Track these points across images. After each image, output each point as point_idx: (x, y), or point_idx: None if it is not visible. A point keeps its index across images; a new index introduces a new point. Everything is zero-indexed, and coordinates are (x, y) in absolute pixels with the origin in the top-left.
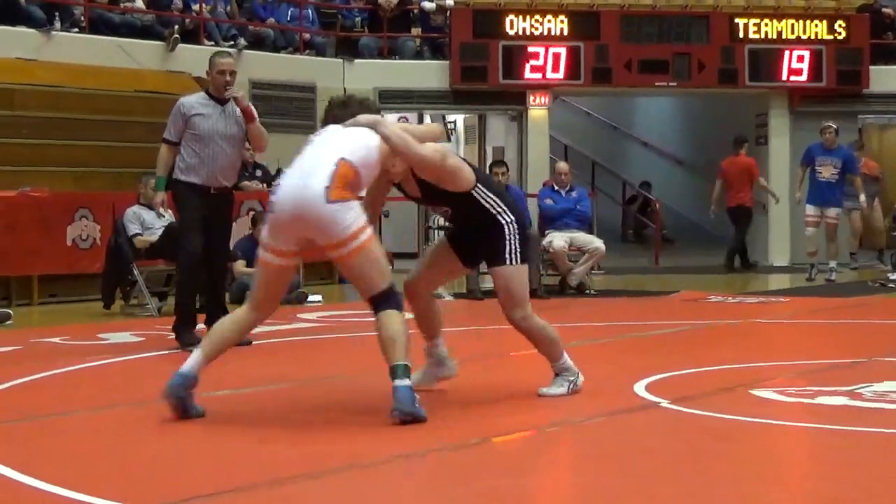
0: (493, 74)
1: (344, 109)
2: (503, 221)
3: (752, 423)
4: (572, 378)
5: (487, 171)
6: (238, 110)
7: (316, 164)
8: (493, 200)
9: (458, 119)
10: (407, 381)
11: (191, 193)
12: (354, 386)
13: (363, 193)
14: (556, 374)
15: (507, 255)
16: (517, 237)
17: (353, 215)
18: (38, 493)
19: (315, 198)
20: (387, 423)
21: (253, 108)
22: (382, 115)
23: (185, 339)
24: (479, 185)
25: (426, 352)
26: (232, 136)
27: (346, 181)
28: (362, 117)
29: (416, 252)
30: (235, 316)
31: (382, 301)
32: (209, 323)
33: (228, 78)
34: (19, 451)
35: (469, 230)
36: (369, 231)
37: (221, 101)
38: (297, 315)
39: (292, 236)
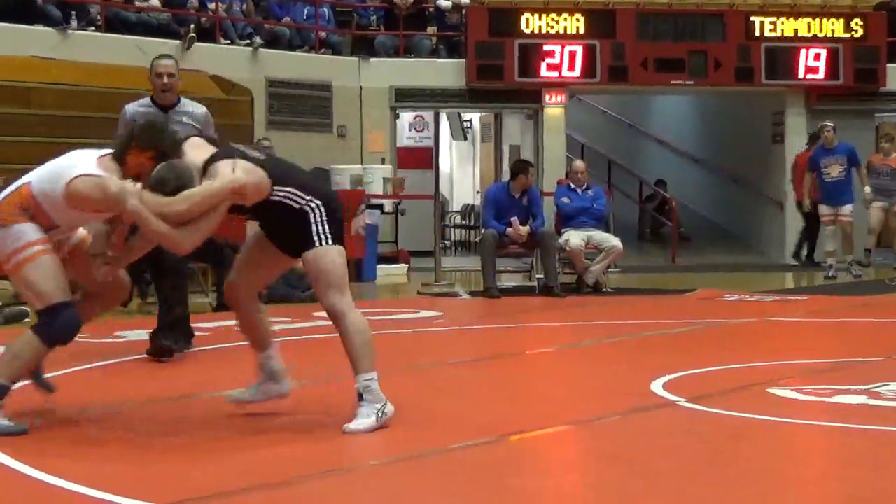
0: (509, 73)
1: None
2: (307, 210)
3: (770, 421)
4: (379, 405)
5: (512, 173)
6: (186, 115)
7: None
8: (294, 194)
9: (475, 117)
10: None
11: None
12: None
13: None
14: (360, 397)
15: (315, 238)
16: (324, 220)
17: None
18: (53, 490)
19: None
20: (401, 422)
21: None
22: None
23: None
24: (274, 187)
25: (258, 365)
26: None
27: (18, 204)
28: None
29: (433, 250)
30: None
31: (36, 322)
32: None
33: (166, 80)
34: (35, 448)
35: (274, 226)
36: (29, 252)
37: (164, 107)
38: (313, 313)
39: None
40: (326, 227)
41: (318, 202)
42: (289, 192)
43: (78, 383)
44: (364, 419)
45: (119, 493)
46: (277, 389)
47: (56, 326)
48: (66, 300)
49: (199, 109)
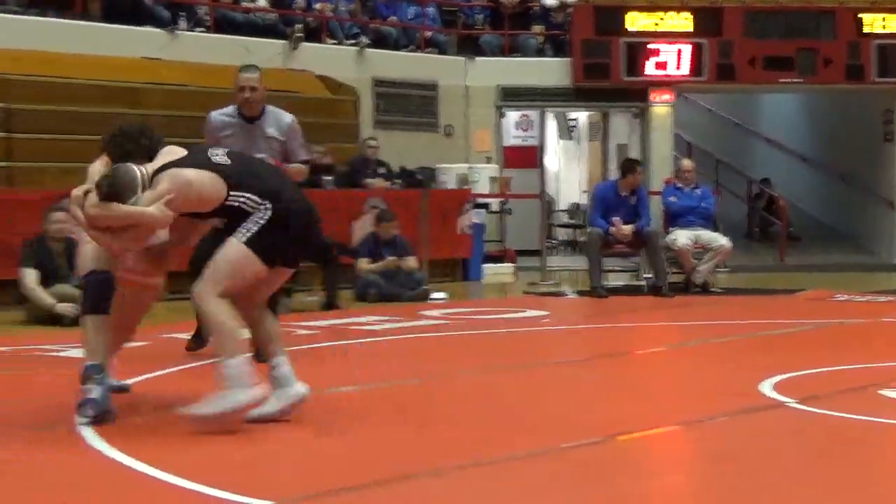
0: (616, 72)
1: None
2: (256, 210)
3: (882, 423)
4: (231, 400)
5: (621, 172)
6: (277, 129)
7: None
8: (250, 199)
9: (581, 116)
10: None
11: None
12: (478, 382)
13: None
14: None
15: (238, 232)
16: (261, 223)
17: None
18: (166, 487)
19: None
20: (509, 421)
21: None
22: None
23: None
24: (231, 192)
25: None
26: (261, 156)
27: None
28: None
29: (539, 249)
30: None
31: None
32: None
33: (248, 95)
34: (148, 445)
35: (230, 229)
36: None
37: (249, 118)
38: (421, 312)
39: None
40: (257, 229)
41: (270, 209)
42: (246, 197)
43: (189, 380)
44: (205, 406)
45: (236, 491)
46: (292, 393)
47: (87, 293)
48: (93, 268)
49: (285, 119)
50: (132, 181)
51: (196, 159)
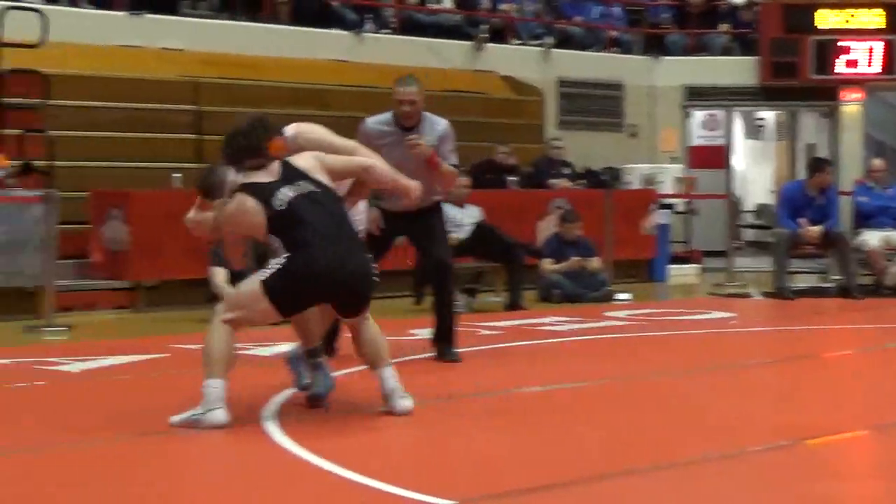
0: (804, 70)
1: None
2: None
3: None
4: (199, 412)
5: (809, 171)
6: (431, 135)
7: None
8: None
9: (769, 116)
10: None
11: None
12: (664, 383)
13: None
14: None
15: (262, 270)
16: (279, 266)
17: None
18: (350, 485)
19: None
20: (697, 423)
21: (437, 158)
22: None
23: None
24: (270, 234)
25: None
26: (418, 164)
27: None
28: None
29: (725, 250)
30: None
31: None
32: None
33: (408, 108)
34: (333, 443)
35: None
36: None
37: (405, 127)
38: (605, 313)
39: None
40: (272, 271)
41: (288, 257)
42: (279, 242)
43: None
44: (182, 415)
45: (419, 490)
46: (397, 409)
47: None
48: None
49: (440, 126)
50: (219, 183)
51: (261, 189)
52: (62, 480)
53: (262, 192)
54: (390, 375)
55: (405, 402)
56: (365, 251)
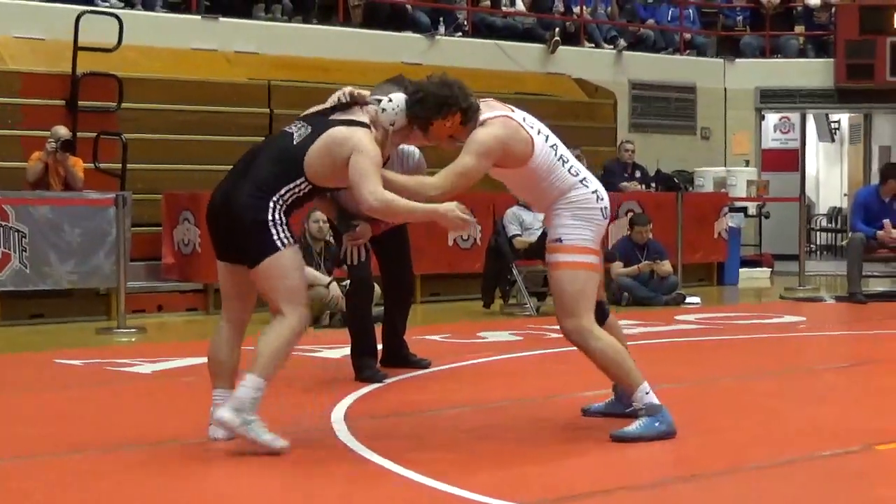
0: (880, 72)
1: None
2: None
3: None
4: (250, 420)
5: (882, 177)
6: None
7: None
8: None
9: (843, 118)
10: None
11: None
12: (735, 387)
13: None
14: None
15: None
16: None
17: None
18: (416, 486)
19: None
20: (770, 427)
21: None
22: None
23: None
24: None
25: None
26: None
27: None
28: None
29: (797, 254)
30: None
31: None
32: None
33: None
34: (401, 444)
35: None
36: None
37: None
38: (675, 317)
39: None
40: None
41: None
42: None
43: (444, 382)
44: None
45: (488, 494)
46: None
47: None
48: None
49: (413, 157)
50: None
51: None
52: (136, 481)
53: None
54: (247, 385)
55: (222, 413)
56: (249, 186)
